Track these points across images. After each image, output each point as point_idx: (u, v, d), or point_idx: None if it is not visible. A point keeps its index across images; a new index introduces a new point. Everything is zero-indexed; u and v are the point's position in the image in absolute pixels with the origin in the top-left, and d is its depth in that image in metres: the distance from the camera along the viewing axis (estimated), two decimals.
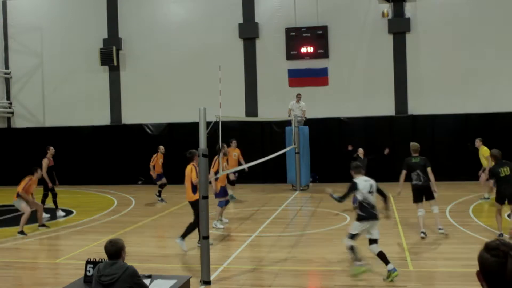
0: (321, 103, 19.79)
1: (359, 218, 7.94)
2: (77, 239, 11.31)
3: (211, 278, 7.81)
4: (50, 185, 14.20)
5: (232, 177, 14.92)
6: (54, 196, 14.40)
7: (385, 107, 19.62)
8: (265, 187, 18.89)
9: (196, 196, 9.47)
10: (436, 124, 19.08)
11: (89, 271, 5.85)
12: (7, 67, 22.98)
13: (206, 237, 7.84)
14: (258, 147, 19.58)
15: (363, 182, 8.05)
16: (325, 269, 8.57)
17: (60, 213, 14.42)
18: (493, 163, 10.27)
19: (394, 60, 19.63)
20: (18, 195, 12.12)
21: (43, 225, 12.63)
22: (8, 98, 23.06)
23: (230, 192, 14.83)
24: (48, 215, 14.17)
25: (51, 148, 14.52)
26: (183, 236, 9.79)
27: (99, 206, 15.85)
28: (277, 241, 10.51)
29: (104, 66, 21.67)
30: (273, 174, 19.50)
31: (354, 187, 8.01)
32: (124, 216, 14.02)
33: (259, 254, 9.74)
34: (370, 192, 7.95)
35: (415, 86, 19.50)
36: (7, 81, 23.03)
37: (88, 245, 10.57)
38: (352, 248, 8.03)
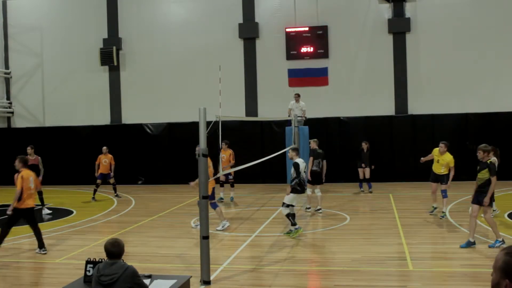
0: (321, 103, 19.78)
1: (296, 192, 10.50)
2: (77, 239, 11.31)
3: (211, 278, 7.81)
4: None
5: (222, 178, 15.50)
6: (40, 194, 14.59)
7: (385, 107, 19.62)
8: (265, 187, 18.89)
9: (19, 205, 10.04)
10: (436, 124, 19.08)
11: (89, 271, 5.84)
12: (7, 67, 22.98)
13: (206, 237, 7.84)
14: (258, 147, 19.59)
15: (302, 163, 10.61)
16: (325, 269, 8.56)
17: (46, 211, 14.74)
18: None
19: (394, 60, 19.62)
20: None
21: None
22: (8, 98, 23.07)
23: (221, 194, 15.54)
24: (50, 211, 14.69)
25: (28, 148, 14.86)
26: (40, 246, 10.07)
27: (99, 206, 15.84)
28: (277, 241, 10.51)
29: (104, 66, 21.66)
30: (273, 174, 19.50)
31: (297, 167, 10.53)
32: (124, 216, 14.02)
33: (259, 254, 9.74)
34: (304, 171, 10.65)
35: (415, 86, 19.50)
36: (7, 81, 23.04)
37: (88, 245, 10.57)
38: (289, 215, 10.56)
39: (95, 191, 16.95)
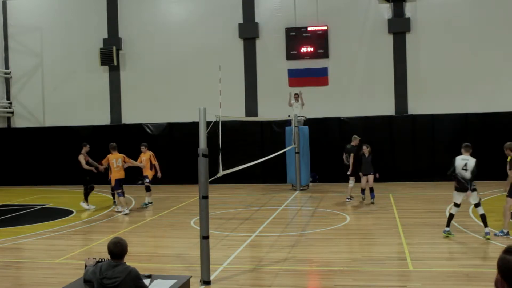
0: (321, 103, 19.78)
1: (456, 189, 10.12)
2: (77, 239, 11.32)
3: (211, 278, 7.81)
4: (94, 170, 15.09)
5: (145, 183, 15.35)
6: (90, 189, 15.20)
7: (385, 107, 19.62)
8: (265, 187, 18.89)
9: None
10: (436, 124, 19.08)
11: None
12: (7, 67, 22.99)
13: (206, 237, 7.84)
14: (258, 147, 19.59)
15: (460, 160, 10.05)
16: (325, 269, 8.57)
17: (91, 206, 15.08)
18: None
19: (394, 60, 19.63)
20: None
21: None
22: (8, 98, 23.07)
23: (147, 199, 15.45)
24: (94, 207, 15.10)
25: (87, 145, 15.50)
26: None
27: (99, 206, 15.82)
28: (277, 241, 10.51)
29: (104, 66, 21.67)
30: (273, 174, 19.50)
31: (452, 163, 10.07)
32: (124, 216, 14.02)
33: (259, 254, 9.74)
34: (463, 169, 9.92)
35: (415, 86, 19.50)
36: (7, 81, 23.04)
37: (88, 245, 10.57)
38: (451, 215, 10.14)
39: (113, 195, 15.53)
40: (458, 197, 10.11)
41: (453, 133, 18.89)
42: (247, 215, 13.58)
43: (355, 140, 15.02)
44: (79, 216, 14.13)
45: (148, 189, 15.26)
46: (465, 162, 9.96)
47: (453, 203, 10.25)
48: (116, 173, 14.15)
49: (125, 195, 15.83)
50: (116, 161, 14.15)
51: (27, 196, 18.34)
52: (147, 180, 15.16)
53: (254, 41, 20.67)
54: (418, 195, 16.04)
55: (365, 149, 14.48)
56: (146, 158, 15.20)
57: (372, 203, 14.39)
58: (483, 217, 9.99)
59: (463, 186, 9.96)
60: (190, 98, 20.45)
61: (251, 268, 8.64)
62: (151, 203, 15.47)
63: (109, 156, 14.28)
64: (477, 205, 10.10)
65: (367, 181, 14.45)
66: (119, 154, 14.36)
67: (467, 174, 9.88)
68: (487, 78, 18.95)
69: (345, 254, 9.37)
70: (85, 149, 15.25)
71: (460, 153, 10.30)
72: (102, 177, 15.34)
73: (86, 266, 5.51)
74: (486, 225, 9.94)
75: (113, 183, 14.15)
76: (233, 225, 12.31)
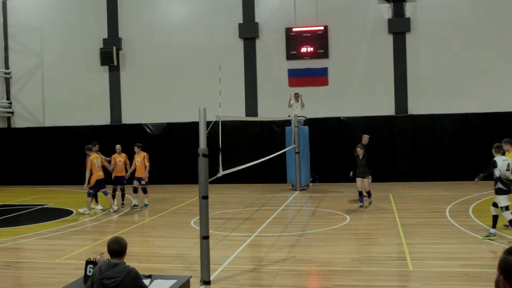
0: (321, 103, 19.78)
1: (502, 192, 9.67)
2: (77, 239, 11.32)
3: (211, 278, 7.81)
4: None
5: (136, 184, 15.12)
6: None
7: (385, 107, 19.61)
8: (265, 187, 18.89)
9: None
10: (436, 124, 19.08)
11: (89, 271, 5.83)
12: (7, 67, 22.98)
13: (206, 237, 7.84)
14: (258, 147, 19.59)
15: (502, 161, 9.65)
16: (325, 269, 8.57)
17: (98, 206, 15.11)
18: None
19: (394, 60, 19.62)
20: None
21: None
22: (8, 98, 23.06)
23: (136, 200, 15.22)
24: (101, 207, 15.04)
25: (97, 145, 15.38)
26: None
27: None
28: (277, 241, 10.51)
29: (104, 66, 21.66)
30: (273, 174, 19.49)
31: (493, 165, 9.64)
32: (124, 216, 14.02)
33: (259, 254, 9.74)
34: (507, 169, 9.61)
35: (415, 86, 19.50)
36: (7, 81, 23.04)
37: (88, 245, 10.57)
38: (496, 218, 9.83)
39: (113, 196, 15.10)
40: (506, 200, 9.75)
41: (453, 133, 18.90)
42: (247, 215, 13.58)
43: (364, 139, 15.45)
44: (79, 216, 14.12)
45: (144, 190, 15.10)
46: (507, 162, 9.64)
47: (504, 208, 9.75)
48: (97, 173, 14.41)
49: (125, 195, 15.91)
50: (97, 161, 14.50)
51: (27, 196, 18.34)
52: (143, 182, 14.98)
53: (254, 41, 20.67)
54: (418, 195, 16.04)
55: (359, 151, 13.71)
56: (140, 159, 14.90)
57: (370, 203, 14.16)
58: (495, 218, 9.88)
59: (509, 187, 9.66)
60: (190, 98, 20.45)
61: (251, 268, 8.64)
62: (143, 205, 15.08)
63: (91, 158, 14.48)
64: (496, 205, 9.91)
65: (364, 185, 13.82)
66: (97, 154, 14.78)
67: (509, 174, 9.62)
68: (487, 78, 18.94)
69: (345, 254, 9.37)
70: (94, 148, 15.15)
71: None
72: (106, 179, 15.13)
73: (92, 263, 5.62)
74: (493, 227, 9.90)
75: (92, 182, 14.33)
76: (233, 225, 12.31)
